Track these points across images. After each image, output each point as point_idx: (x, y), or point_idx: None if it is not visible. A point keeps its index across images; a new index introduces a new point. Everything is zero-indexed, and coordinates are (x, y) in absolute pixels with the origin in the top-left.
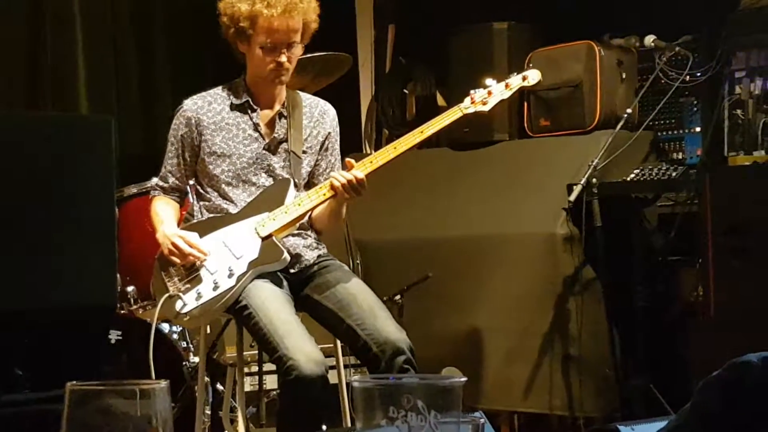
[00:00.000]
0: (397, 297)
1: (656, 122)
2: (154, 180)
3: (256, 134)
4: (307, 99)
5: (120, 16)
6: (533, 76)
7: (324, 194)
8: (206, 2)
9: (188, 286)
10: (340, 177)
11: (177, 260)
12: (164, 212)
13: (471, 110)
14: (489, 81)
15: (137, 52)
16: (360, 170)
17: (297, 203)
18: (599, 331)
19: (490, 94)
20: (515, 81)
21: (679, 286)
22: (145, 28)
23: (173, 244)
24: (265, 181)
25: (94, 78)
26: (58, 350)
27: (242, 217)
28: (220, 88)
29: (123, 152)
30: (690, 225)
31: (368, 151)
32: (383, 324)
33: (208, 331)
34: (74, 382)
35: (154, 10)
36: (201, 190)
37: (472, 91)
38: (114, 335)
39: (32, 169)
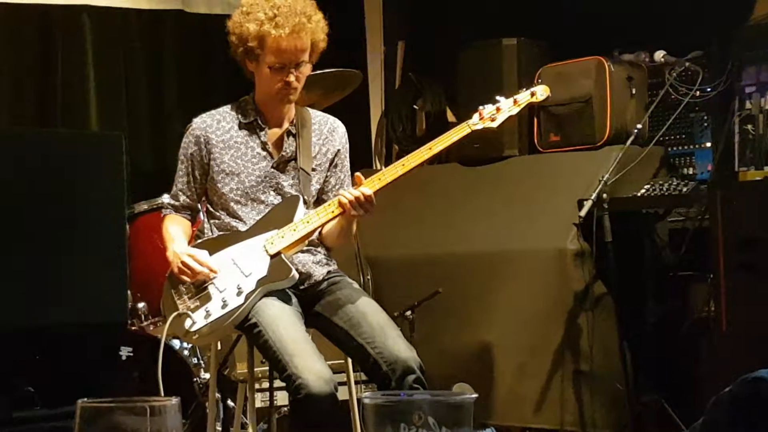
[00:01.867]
0: (408, 313)
1: (666, 137)
2: (165, 197)
3: (265, 153)
4: (316, 116)
5: (130, 33)
6: (541, 91)
7: (333, 211)
8: (216, 20)
9: (197, 304)
10: (347, 194)
11: (187, 279)
12: (175, 231)
13: (479, 126)
14: (498, 97)
15: (147, 69)
16: (368, 187)
17: (306, 220)
18: (610, 346)
19: (499, 110)
20: (524, 97)
21: (691, 302)
22: (155, 45)
23: (183, 262)
24: (274, 199)
25: (105, 95)
26: (69, 367)
27: (251, 234)
28: (229, 106)
29: (134, 169)
30: (701, 240)
31: (378, 167)
32: (393, 342)
33: (219, 347)
34: (85, 399)
35: (164, 27)
36: (211, 209)
37: (480, 107)
38: (125, 351)
39: (43, 186)
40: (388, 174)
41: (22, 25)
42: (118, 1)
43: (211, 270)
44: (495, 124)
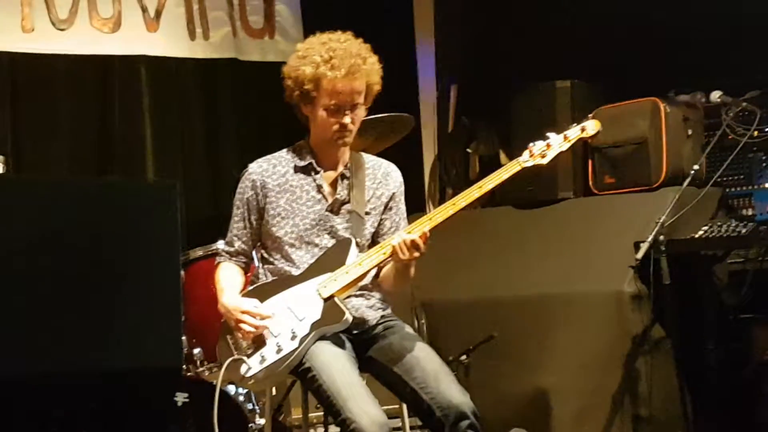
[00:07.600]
0: (463, 357)
1: (724, 178)
2: (220, 243)
3: (319, 196)
4: (370, 160)
5: (186, 81)
6: (592, 126)
7: (384, 253)
8: (269, 68)
9: (252, 349)
10: (396, 238)
11: (242, 336)
12: (226, 280)
13: (530, 163)
14: (548, 133)
15: (203, 116)
16: (419, 228)
17: (358, 263)
18: (670, 391)
19: (549, 146)
20: (574, 132)
21: (754, 344)
22: (210, 92)
23: (238, 320)
24: (328, 242)
25: (161, 142)
26: (124, 414)
27: (305, 278)
28: (284, 150)
29: (189, 215)
30: (762, 282)
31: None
32: (447, 387)
33: (274, 392)
34: None
35: (218, 75)
36: (265, 254)
37: (530, 144)
38: (181, 397)
39: (99, 234)
40: (438, 214)
41: (83, 75)
42: (174, 50)
43: (264, 318)
44: (545, 161)
